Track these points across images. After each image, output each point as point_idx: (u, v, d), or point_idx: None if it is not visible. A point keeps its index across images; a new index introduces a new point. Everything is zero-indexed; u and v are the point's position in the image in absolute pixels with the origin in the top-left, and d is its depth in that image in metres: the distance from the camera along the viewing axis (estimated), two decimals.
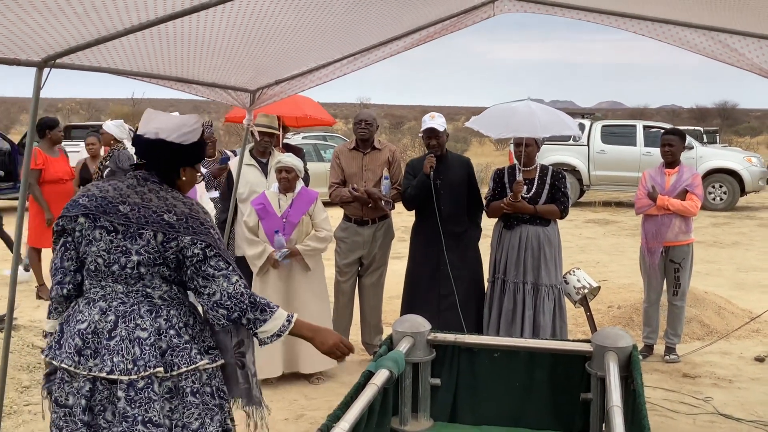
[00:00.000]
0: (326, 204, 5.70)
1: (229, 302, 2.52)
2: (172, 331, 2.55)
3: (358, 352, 6.18)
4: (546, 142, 5.42)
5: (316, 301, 5.41)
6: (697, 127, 23.93)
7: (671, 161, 6.04)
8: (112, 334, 2.49)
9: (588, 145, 17.16)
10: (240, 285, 2.55)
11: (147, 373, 2.46)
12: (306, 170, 5.94)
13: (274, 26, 3.78)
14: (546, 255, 5.33)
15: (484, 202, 5.62)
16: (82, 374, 2.48)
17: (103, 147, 8.32)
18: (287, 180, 5.31)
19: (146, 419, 2.46)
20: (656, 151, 15.89)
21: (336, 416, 2.86)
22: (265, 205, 5.31)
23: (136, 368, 2.45)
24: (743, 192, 16.70)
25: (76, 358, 2.48)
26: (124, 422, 2.45)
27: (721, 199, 16.61)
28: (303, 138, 19.81)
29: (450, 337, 3.94)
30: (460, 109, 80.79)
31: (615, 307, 7.27)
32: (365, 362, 5.79)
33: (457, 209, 5.52)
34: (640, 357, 4.12)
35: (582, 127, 16.91)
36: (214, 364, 2.64)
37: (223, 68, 4.39)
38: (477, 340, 4.03)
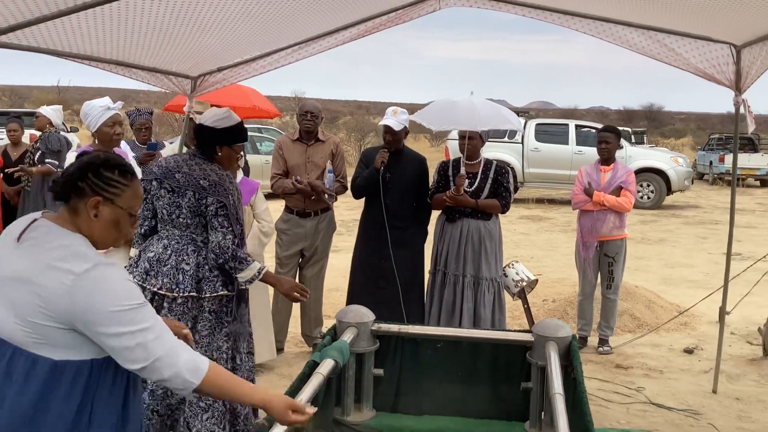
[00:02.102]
0: (267, 196, 5.62)
1: (218, 250, 3.48)
2: (206, 266, 3.52)
3: (297, 344, 6.14)
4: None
5: (254, 292, 5.34)
6: (625, 128, 24.59)
7: (607, 158, 6.18)
8: (166, 263, 3.49)
9: (522, 143, 17.39)
10: (229, 241, 3.47)
11: (185, 294, 3.46)
12: (246, 161, 5.85)
13: (219, 13, 3.71)
14: (486, 249, 5.37)
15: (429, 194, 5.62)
16: (148, 288, 3.45)
17: (31, 133, 8.04)
18: None
19: None
20: (588, 150, 16.28)
21: None
22: None
23: (178, 289, 3.46)
24: (670, 191, 17.24)
25: (144, 277, 3.50)
26: None
27: (649, 198, 17.10)
28: None
29: (394, 327, 3.94)
30: (393, 104, 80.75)
31: (550, 300, 7.41)
32: (304, 354, 5.76)
33: (403, 205, 5.50)
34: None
35: None
36: (231, 294, 3.57)
37: (165, 53, 4.29)
38: (420, 331, 4.05)
